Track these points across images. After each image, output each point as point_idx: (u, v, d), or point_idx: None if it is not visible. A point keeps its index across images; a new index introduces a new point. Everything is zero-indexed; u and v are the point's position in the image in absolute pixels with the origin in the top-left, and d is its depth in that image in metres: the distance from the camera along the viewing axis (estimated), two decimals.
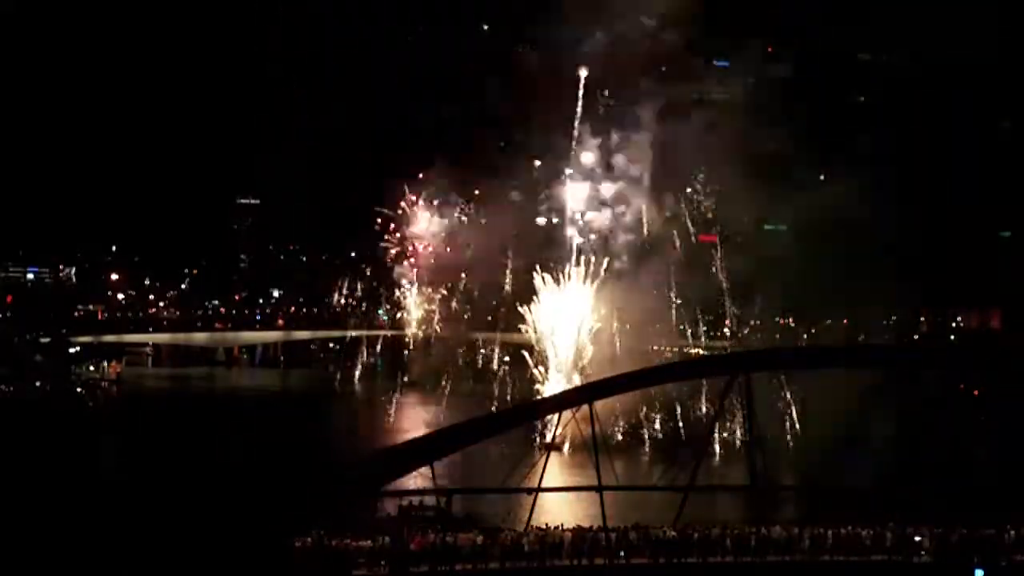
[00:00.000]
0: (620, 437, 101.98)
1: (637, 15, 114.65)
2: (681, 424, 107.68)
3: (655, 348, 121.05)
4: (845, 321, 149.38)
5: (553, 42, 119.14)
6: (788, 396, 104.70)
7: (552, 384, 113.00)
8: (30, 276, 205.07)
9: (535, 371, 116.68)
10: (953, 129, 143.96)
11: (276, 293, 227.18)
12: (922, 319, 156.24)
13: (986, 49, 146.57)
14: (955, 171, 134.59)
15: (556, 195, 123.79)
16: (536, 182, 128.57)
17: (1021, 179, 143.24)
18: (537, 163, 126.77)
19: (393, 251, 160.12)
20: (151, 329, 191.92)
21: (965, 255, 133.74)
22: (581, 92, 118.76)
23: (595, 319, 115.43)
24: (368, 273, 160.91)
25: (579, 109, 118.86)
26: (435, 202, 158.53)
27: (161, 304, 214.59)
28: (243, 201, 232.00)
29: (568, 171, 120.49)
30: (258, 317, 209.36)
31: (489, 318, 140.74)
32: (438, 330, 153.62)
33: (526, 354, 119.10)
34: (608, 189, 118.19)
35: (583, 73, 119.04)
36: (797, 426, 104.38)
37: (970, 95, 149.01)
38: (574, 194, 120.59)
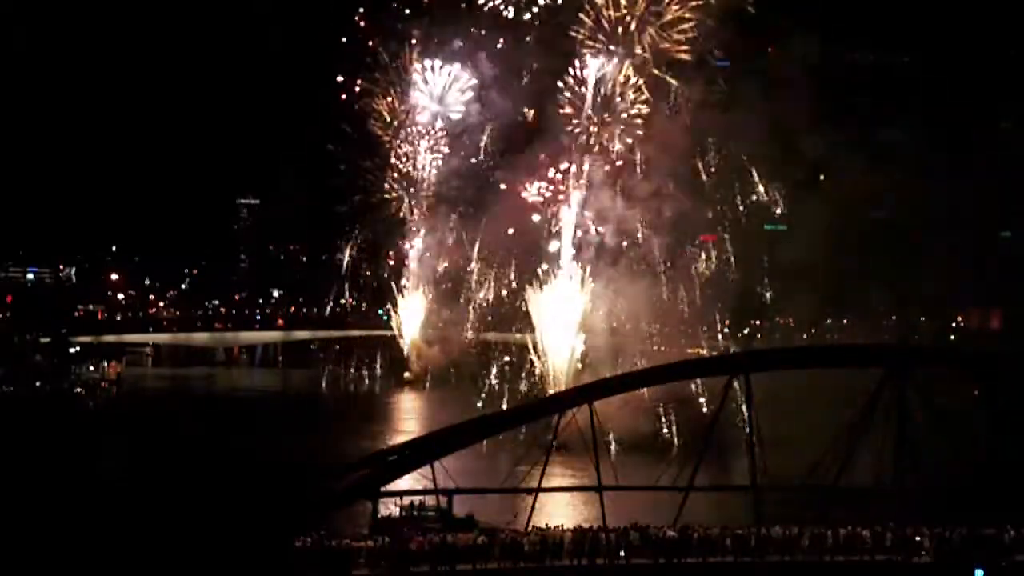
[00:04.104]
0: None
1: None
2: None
3: (656, 349, 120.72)
4: (845, 321, 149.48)
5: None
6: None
7: (553, 385, 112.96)
8: (30, 276, 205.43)
9: (537, 372, 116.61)
10: (953, 128, 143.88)
11: (276, 293, 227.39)
12: (922, 319, 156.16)
13: (988, 47, 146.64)
14: (955, 170, 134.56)
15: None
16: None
17: (1021, 179, 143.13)
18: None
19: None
20: (151, 329, 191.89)
21: (965, 255, 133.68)
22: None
23: (599, 319, 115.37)
24: (368, 273, 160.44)
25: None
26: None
27: (161, 304, 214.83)
28: (243, 201, 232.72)
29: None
30: (258, 317, 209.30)
31: (490, 318, 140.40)
32: (440, 327, 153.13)
33: (530, 354, 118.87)
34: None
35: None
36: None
37: (970, 93, 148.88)
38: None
